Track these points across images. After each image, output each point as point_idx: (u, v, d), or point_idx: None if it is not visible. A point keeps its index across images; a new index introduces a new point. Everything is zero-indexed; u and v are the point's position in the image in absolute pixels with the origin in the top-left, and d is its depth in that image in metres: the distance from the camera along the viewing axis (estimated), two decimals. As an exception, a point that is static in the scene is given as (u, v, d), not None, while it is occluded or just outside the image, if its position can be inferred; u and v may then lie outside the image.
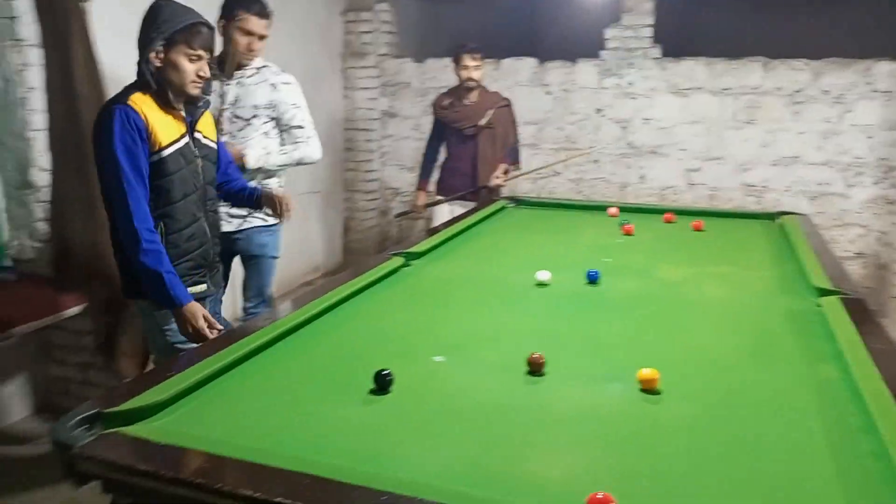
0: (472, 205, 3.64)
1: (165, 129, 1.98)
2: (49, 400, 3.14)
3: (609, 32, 4.71)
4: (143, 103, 1.94)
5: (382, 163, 5.43)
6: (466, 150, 3.89)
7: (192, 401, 1.39)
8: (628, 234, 3.00)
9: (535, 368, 1.56)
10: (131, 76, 1.99)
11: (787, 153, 4.50)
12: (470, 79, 3.77)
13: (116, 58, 3.02)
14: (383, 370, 1.46)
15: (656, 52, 4.64)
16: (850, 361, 1.54)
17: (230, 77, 2.70)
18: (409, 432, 1.32)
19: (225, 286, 2.67)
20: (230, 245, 2.72)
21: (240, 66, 2.71)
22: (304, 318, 1.80)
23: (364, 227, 5.45)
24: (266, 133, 2.79)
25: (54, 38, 2.71)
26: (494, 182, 3.88)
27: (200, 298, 2.10)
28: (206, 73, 2.00)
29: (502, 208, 3.52)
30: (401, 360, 1.61)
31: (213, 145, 2.19)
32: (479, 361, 1.68)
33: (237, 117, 2.73)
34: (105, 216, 2.05)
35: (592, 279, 2.29)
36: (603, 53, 4.74)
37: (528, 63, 4.95)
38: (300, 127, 2.82)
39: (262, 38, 2.70)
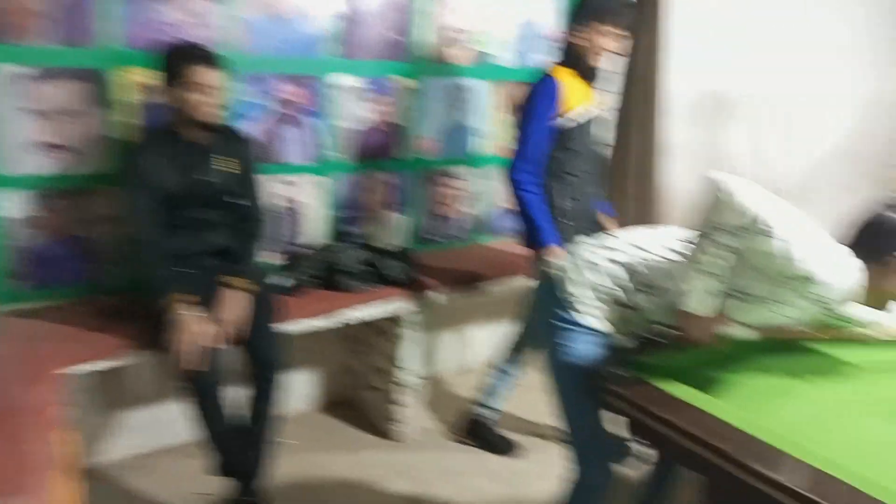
0: None
1: (576, 97, 2.23)
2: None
3: None
4: (562, 74, 2.24)
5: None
6: None
7: (726, 374, 1.46)
8: None
9: None
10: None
11: None
12: None
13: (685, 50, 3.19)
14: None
15: None
16: None
17: None
18: None
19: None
20: None
21: None
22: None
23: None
24: None
25: (639, 25, 3.07)
26: None
27: None
28: (620, 49, 2.22)
29: None
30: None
31: (602, 113, 2.38)
32: None
33: None
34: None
35: None
36: None
37: None
38: None
39: None
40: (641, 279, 1.54)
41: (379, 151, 2.88)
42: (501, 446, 2.63)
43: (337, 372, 3.01)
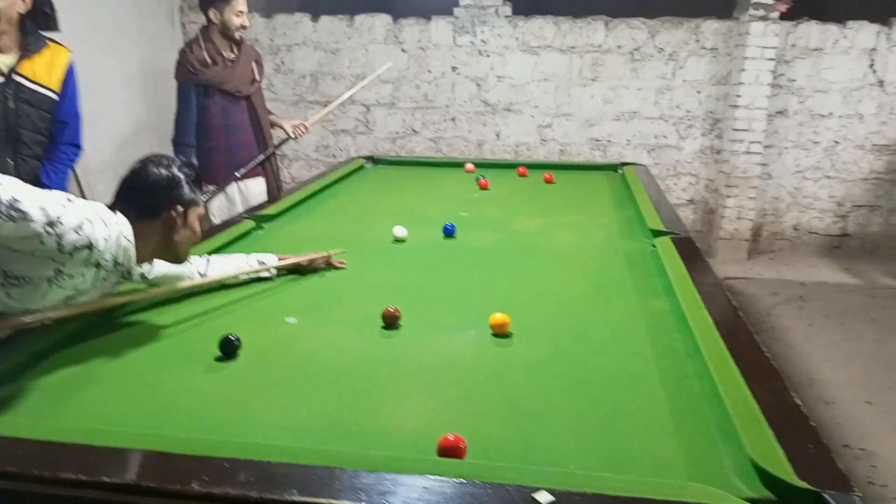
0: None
1: None
2: None
3: (461, -11, 4.71)
4: None
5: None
6: (244, 116, 3.16)
7: (25, 381, 1.24)
8: (484, 188, 3.06)
9: (390, 322, 1.55)
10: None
11: (627, 108, 4.78)
12: (243, 26, 3.07)
13: None
14: (229, 335, 1.39)
15: (507, 9, 4.71)
16: (679, 294, 1.67)
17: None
18: (259, 396, 1.26)
19: None
20: None
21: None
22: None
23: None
24: None
25: None
26: (300, 132, 3.34)
27: None
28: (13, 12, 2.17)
29: (360, 167, 3.46)
30: (251, 325, 1.54)
31: (46, 92, 2.29)
32: (334, 319, 1.64)
33: None
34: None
35: (449, 233, 2.31)
36: (456, 10, 4.75)
37: (383, 20, 4.85)
38: None
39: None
40: None
41: None
42: None
43: None
